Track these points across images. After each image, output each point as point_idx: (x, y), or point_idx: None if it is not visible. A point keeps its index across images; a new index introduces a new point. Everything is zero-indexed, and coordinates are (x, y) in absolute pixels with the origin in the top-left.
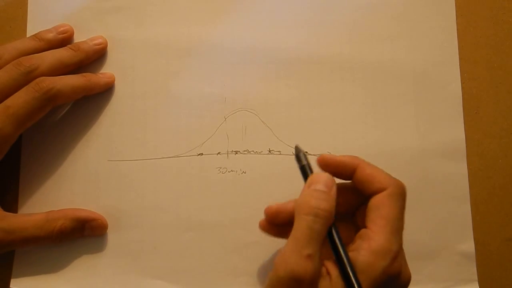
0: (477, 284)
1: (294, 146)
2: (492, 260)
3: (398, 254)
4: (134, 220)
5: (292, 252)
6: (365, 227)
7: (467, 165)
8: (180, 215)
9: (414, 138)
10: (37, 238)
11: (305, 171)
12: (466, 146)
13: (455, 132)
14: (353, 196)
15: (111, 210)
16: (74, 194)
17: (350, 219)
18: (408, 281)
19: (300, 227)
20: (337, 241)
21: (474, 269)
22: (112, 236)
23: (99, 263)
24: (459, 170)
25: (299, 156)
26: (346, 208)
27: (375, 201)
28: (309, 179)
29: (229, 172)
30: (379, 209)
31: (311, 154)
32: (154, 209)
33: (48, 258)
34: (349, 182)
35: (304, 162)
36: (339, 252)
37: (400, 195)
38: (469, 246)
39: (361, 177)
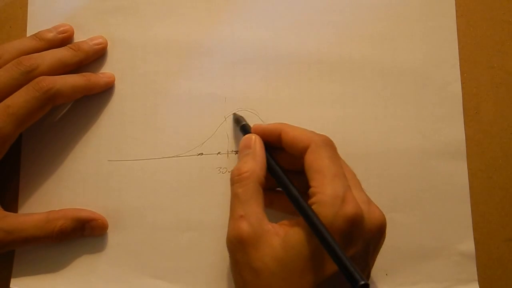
0: (477, 284)
1: (232, 114)
2: (492, 260)
3: (346, 196)
4: (134, 220)
5: (229, 220)
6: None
7: (467, 165)
8: (180, 215)
9: (414, 138)
10: (37, 238)
11: (245, 130)
12: (466, 146)
13: (455, 132)
14: (295, 160)
15: (111, 210)
16: (74, 194)
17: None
18: (379, 221)
19: (231, 198)
20: (286, 180)
21: (474, 269)
22: (112, 236)
23: (99, 263)
24: (459, 170)
25: (238, 119)
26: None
27: (306, 161)
28: (239, 147)
29: (229, 172)
30: (311, 166)
31: None
32: (154, 209)
33: (48, 258)
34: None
35: (243, 122)
36: (289, 189)
37: (323, 146)
38: (469, 246)
39: (286, 141)
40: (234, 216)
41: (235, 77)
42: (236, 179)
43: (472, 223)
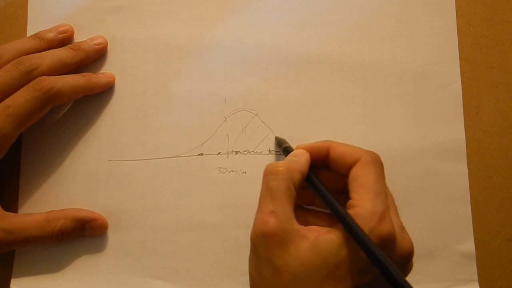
0: (477, 284)
1: (275, 137)
2: (492, 260)
3: (384, 215)
4: (134, 220)
5: (257, 213)
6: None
7: (467, 165)
8: (180, 215)
9: (414, 138)
10: (37, 238)
11: (288, 152)
12: (466, 146)
13: (455, 132)
14: (340, 179)
15: (111, 210)
16: (74, 194)
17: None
18: (409, 249)
19: (262, 189)
20: (326, 193)
21: (474, 269)
22: (112, 236)
23: (99, 263)
24: (459, 170)
25: (280, 141)
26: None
27: (351, 173)
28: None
29: (229, 172)
30: (356, 180)
31: None
32: (154, 209)
33: (48, 258)
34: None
35: (286, 144)
36: (329, 200)
37: (373, 162)
38: (469, 246)
39: (334, 156)
40: (263, 209)
41: (235, 77)
42: (272, 171)
43: (472, 223)
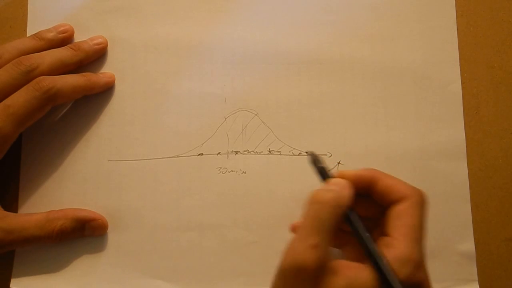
0: (477, 284)
1: (309, 153)
2: (492, 260)
3: (420, 264)
4: (134, 220)
5: (298, 242)
6: (386, 235)
7: (467, 165)
8: (180, 215)
9: (414, 138)
10: (37, 238)
11: (323, 173)
12: (466, 146)
13: (455, 132)
14: (374, 208)
15: (111, 210)
16: (74, 194)
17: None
18: None
19: (306, 217)
20: (367, 236)
21: (474, 269)
22: (112, 236)
23: (99, 263)
24: (459, 170)
25: (315, 159)
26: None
27: (397, 209)
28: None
29: (229, 172)
30: (401, 218)
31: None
32: (154, 209)
33: (48, 258)
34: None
35: (322, 164)
36: (365, 242)
37: (421, 204)
38: (469, 246)
39: (381, 188)
40: (307, 240)
41: (235, 77)
42: (323, 199)
43: (472, 223)
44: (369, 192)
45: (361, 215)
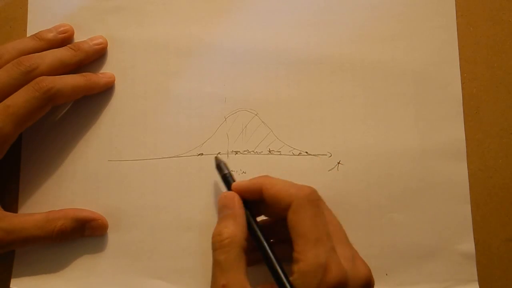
0: (477, 284)
1: (214, 157)
2: (492, 260)
3: (329, 264)
4: (134, 220)
5: (212, 286)
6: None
7: (467, 165)
8: (180, 215)
9: (414, 138)
10: (37, 238)
11: (227, 180)
12: (466, 146)
13: (455, 132)
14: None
15: (111, 210)
16: (74, 194)
17: None
18: (365, 278)
19: (212, 263)
20: (269, 254)
21: (474, 269)
22: (112, 236)
23: (99, 263)
24: (459, 170)
25: (220, 165)
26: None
27: (288, 222)
28: (218, 204)
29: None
30: (293, 228)
31: (311, 154)
32: (154, 209)
33: (48, 258)
34: None
35: (226, 171)
36: (273, 266)
37: (305, 205)
38: (469, 246)
39: (268, 197)
40: (216, 285)
41: (235, 77)
42: (217, 245)
43: (472, 223)
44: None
45: (276, 217)
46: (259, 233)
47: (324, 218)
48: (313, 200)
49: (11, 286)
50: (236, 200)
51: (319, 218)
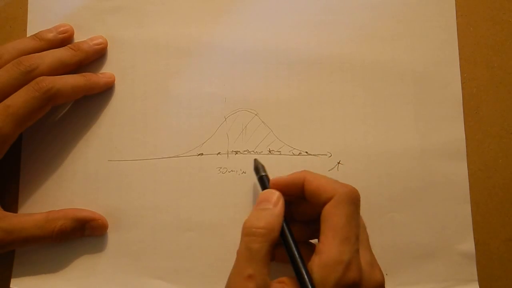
0: (477, 284)
1: (253, 160)
2: (492, 260)
3: (351, 263)
4: (134, 220)
5: (234, 275)
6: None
7: (467, 165)
8: (180, 215)
9: (414, 138)
10: (37, 238)
11: (263, 182)
12: (466, 146)
13: (455, 132)
14: (313, 211)
15: (111, 210)
16: (74, 194)
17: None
18: (379, 284)
19: (240, 248)
20: (294, 251)
21: (474, 269)
22: (112, 236)
23: (99, 263)
24: (459, 170)
25: (258, 167)
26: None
27: (323, 213)
28: (257, 199)
29: (229, 172)
30: (327, 221)
31: (311, 154)
32: (154, 209)
33: (48, 258)
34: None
35: (262, 173)
36: (297, 263)
37: (347, 201)
38: (469, 246)
39: (309, 191)
40: (241, 273)
41: (235, 77)
42: (252, 232)
43: (472, 223)
44: (300, 195)
45: (303, 219)
46: (286, 228)
47: (358, 219)
48: (354, 199)
49: (11, 286)
50: (280, 198)
51: (354, 219)
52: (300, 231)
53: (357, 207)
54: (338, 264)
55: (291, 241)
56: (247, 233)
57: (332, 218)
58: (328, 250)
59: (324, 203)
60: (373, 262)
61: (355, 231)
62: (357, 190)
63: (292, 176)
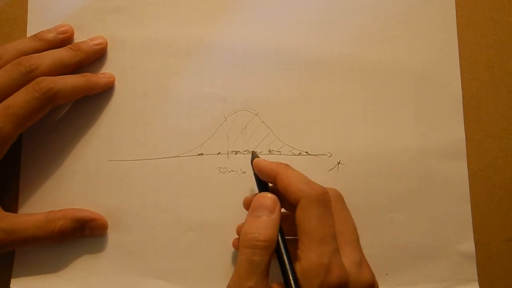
0: (477, 284)
1: (251, 152)
2: (492, 260)
3: (331, 264)
4: (134, 220)
5: (235, 285)
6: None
7: (467, 165)
8: (180, 215)
9: (414, 138)
10: (37, 238)
11: (258, 179)
12: (466, 146)
13: (455, 132)
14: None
15: (111, 210)
16: (74, 194)
17: None
18: (368, 284)
19: (240, 260)
20: (285, 261)
21: (474, 269)
22: (112, 236)
23: (99, 263)
24: (459, 170)
25: (254, 158)
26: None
27: (296, 217)
28: (253, 202)
29: (229, 172)
30: (299, 226)
31: (311, 154)
32: (154, 209)
33: (48, 258)
34: None
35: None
36: (286, 271)
37: (314, 203)
38: (469, 246)
39: (281, 187)
40: (241, 284)
41: (235, 77)
42: (254, 244)
43: (472, 223)
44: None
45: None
46: (280, 237)
47: (332, 219)
48: (322, 200)
49: (11, 286)
50: (278, 206)
51: (326, 219)
52: (293, 227)
53: (326, 207)
54: (318, 267)
55: (283, 250)
56: (248, 245)
57: (304, 223)
58: (306, 256)
59: (293, 204)
60: (362, 262)
61: (330, 231)
62: (326, 191)
63: (271, 165)
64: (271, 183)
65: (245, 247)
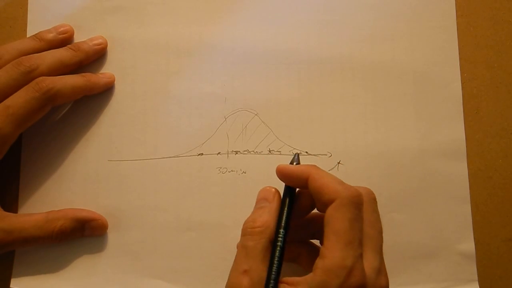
0: (477, 284)
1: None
2: (492, 260)
3: (354, 269)
4: (134, 220)
5: (232, 271)
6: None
7: (467, 165)
8: (180, 215)
9: (414, 138)
10: (37, 238)
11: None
12: (466, 146)
13: (455, 132)
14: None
15: (111, 210)
16: (74, 194)
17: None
18: None
19: (238, 247)
20: (275, 256)
21: (474, 269)
22: (112, 236)
23: (99, 263)
24: (459, 170)
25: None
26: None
27: (326, 215)
28: (257, 196)
29: (229, 172)
30: (329, 224)
31: (311, 154)
32: (154, 209)
33: (48, 258)
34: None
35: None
36: (271, 268)
37: (349, 205)
38: (469, 246)
39: (313, 188)
40: (237, 268)
41: (235, 77)
42: (248, 231)
43: (472, 223)
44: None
45: (306, 211)
46: (282, 231)
47: (361, 223)
48: (357, 203)
49: (11, 286)
50: (276, 196)
51: (357, 223)
52: (301, 231)
53: (359, 211)
54: (341, 269)
55: (279, 247)
56: (243, 232)
57: (335, 222)
58: (331, 255)
59: (326, 204)
60: (381, 269)
61: (358, 235)
62: (360, 193)
63: (299, 169)
64: (299, 187)
65: (242, 235)
